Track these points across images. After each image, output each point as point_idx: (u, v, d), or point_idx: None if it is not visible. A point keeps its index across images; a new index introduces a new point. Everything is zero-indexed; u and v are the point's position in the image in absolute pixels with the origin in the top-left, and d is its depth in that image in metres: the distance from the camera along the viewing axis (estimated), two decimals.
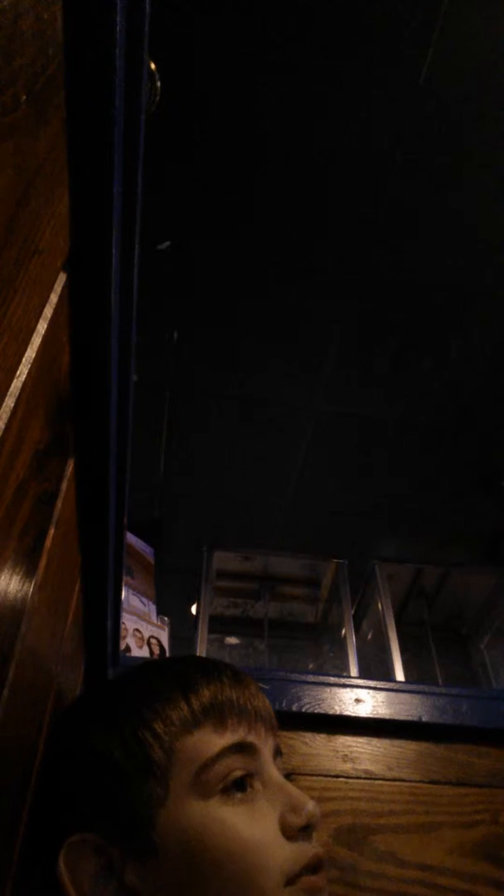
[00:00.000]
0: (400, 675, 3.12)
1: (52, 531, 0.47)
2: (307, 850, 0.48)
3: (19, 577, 0.39)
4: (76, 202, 0.39)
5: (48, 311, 0.37)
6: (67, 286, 0.41)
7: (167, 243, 2.16)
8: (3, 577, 0.35)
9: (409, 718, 0.88)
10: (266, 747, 0.54)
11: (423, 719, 0.88)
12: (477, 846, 0.78)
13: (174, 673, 0.55)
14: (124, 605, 1.98)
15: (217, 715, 0.51)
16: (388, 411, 2.81)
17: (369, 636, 3.69)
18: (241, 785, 0.49)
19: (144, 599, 2.16)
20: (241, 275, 2.27)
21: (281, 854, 0.47)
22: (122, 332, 0.49)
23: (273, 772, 0.52)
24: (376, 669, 3.40)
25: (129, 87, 0.39)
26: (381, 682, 0.93)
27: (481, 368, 2.58)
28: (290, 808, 0.50)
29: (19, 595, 0.39)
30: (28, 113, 0.29)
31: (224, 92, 1.76)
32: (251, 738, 0.52)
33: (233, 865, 0.45)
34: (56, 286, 0.39)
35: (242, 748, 0.51)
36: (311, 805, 0.50)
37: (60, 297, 0.40)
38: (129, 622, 1.97)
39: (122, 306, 0.47)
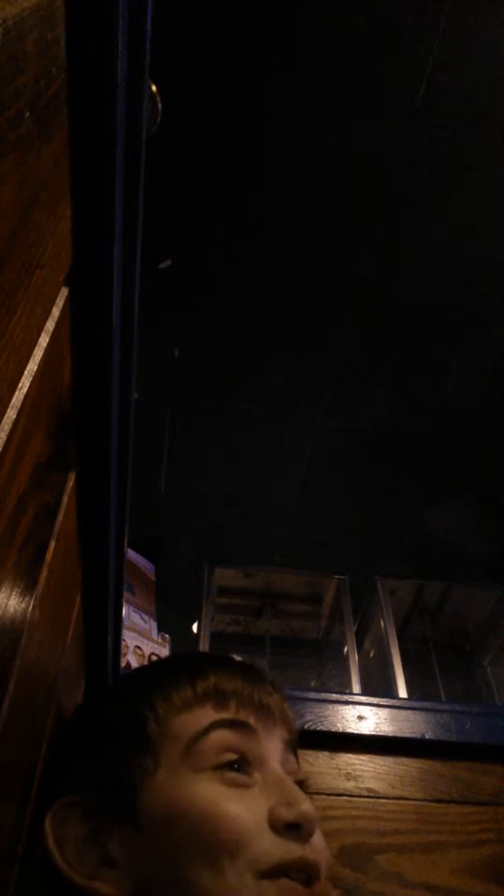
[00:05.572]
0: (403, 692, 3.09)
1: (52, 545, 0.47)
2: (293, 849, 0.44)
3: (20, 589, 0.39)
4: (78, 218, 0.40)
5: (50, 325, 0.38)
6: (69, 300, 0.41)
7: (168, 262, 2.18)
8: (3, 590, 0.35)
9: (413, 736, 0.87)
10: (270, 741, 0.51)
11: (427, 737, 0.87)
12: (483, 866, 0.77)
13: (187, 661, 0.56)
14: (125, 622, 1.97)
15: (219, 698, 0.51)
16: (389, 428, 2.81)
17: (372, 653, 3.66)
18: (236, 769, 0.47)
19: (145, 616, 2.15)
20: (242, 292, 2.29)
21: (259, 842, 0.43)
22: (123, 348, 0.49)
23: (275, 767, 0.50)
24: (379, 686, 3.37)
25: (130, 107, 0.40)
26: (384, 699, 0.92)
27: (482, 385, 2.59)
28: (282, 802, 0.46)
29: (20, 608, 0.39)
30: (31, 130, 0.30)
31: (226, 113, 1.78)
32: (250, 721, 0.50)
33: (207, 839, 0.43)
34: (58, 300, 0.39)
35: (236, 725, 0.49)
36: (306, 804, 0.46)
37: (62, 311, 0.40)
38: (129, 639, 1.95)
39: (124, 321, 0.48)
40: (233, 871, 0.42)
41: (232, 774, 0.47)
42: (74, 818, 0.46)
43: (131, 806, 0.46)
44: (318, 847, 0.47)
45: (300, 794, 0.48)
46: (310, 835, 0.46)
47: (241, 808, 0.45)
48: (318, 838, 0.47)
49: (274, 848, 0.44)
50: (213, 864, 0.42)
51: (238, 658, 0.57)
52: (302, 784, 0.51)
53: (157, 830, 0.45)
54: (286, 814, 0.45)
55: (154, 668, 0.59)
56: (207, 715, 0.49)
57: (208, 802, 0.44)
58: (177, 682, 0.52)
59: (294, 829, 0.45)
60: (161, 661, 0.61)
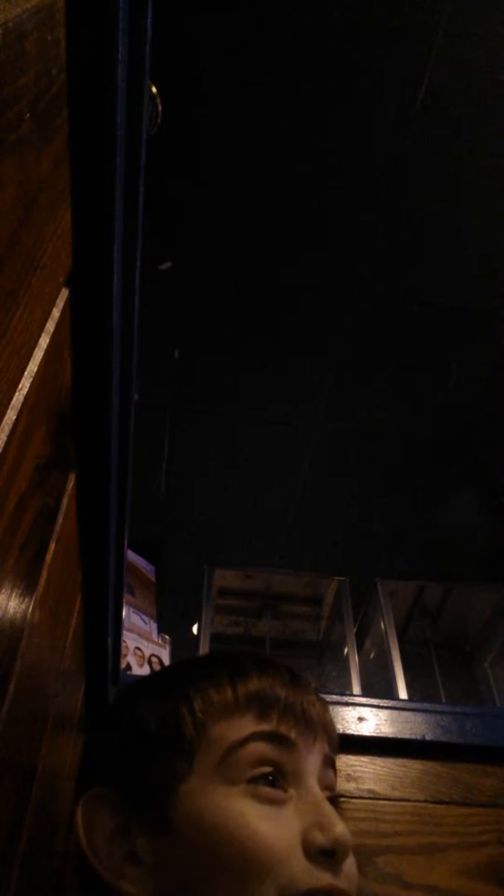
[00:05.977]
0: (403, 694, 3.09)
1: (52, 546, 0.47)
2: (323, 877, 0.43)
3: (20, 591, 0.39)
4: (78, 219, 0.40)
5: (50, 326, 0.38)
6: (69, 301, 0.41)
7: (168, 263, 2.18)
8: (3, 591, 0.35)
9: (413, 737, 0.87)
10: (310, 755, 0.50)
11: (427, 738, 0.87)
12: (484, 868, 0.77)
13: (228, 660, 0.55)
14: (125, 623, 1.97)
15: (260, 706, 0.49)
16: (389, 429, 2.81)
17: (372, 654, 3.66)
18: (271, 782, 0.46)
19: (145, 617, 2.15)
20: (242, 293, 2.29)
21: (290, 867, 0.42)
22: (123, 348, 0.49)
23: (313, 784, 0.48)
24: (379, 688, 3.37)
25: (130, 108, 0.40)
26: (385, 700, 0.92)
27: (481, 386, 2.59)
28: (317, 825, 0.45)
29: (20, 610, 0.39)
30: (32, 131, 0.30)
31: (226, 119, 1.78)
32: (291, 734, 0.49)
33: (236, 859, 0.42)
34: (58, 301, 0.39)
35: (276, 739, 0.48)
36: (340, 827, 0.45)
37: (63, 312, 0.40)
38: (129, 640, 1.95)
39: (124, 323, 0.48)
40: (258, 894, 0.41)
41: (266, 789, 0.46)
42: (104, 811, 0.47)
43: (161, 809, 0.46)
44: (349, 874, 0.45)
45: (335, 817, 0.46)
46: (343, 860, 0.45)
47: (273, 828, 0.44)
48: (349, 864, 0.46)
49: (303, 875, 0.42)
50: (239, 885, 0.42)
51: (281, 662, 0.55)
52: (336, 800, 0.50)
53: (185, 839, 0.44)
54: (321, 839, 0.44)
55: (193, 665, 0.57)
56: (247, 725, 0.48)
57: (239, 821, 0.44)
58: (217, 683, 0.51)
59: (328, 855, 0.44)
60: (201, 658, 0.59)
